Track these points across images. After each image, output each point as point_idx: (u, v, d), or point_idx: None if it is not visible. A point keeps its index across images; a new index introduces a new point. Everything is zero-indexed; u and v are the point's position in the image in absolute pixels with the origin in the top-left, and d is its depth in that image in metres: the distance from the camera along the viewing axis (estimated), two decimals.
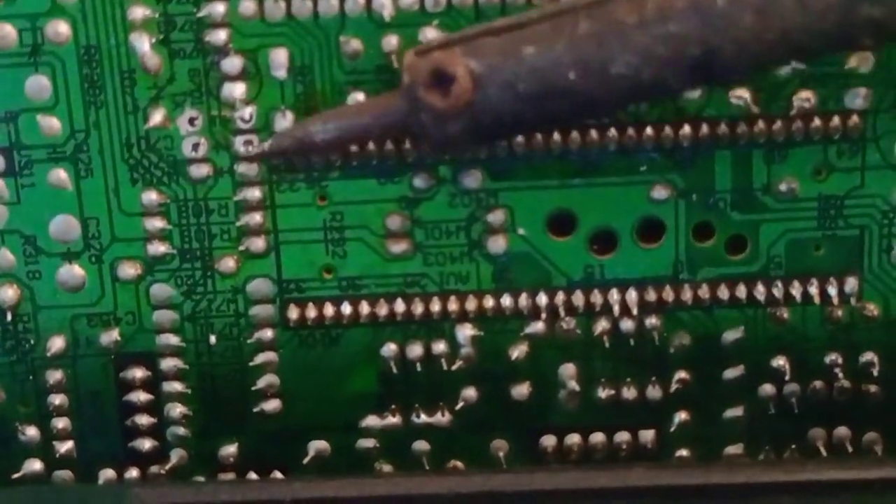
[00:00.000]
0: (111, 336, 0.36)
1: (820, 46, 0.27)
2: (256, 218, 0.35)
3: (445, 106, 0.27)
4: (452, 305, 0.36)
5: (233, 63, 0.34)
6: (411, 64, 0.28)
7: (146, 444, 0.37)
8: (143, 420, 0.36)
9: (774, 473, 0.35)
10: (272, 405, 0.36)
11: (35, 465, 0.37)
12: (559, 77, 0.27)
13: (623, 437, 0.37)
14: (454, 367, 0.36)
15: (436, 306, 0.36)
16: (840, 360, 0.36)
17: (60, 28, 0.34)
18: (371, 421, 0.37)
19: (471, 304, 0.36)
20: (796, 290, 0.36)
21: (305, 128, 0.30)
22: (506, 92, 0.27)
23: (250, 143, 0.34)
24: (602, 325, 0.36)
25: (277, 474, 0.37)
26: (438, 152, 0.28)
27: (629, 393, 0.37)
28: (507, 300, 0.36)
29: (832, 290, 0.35)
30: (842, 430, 0.37)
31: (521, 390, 0.36)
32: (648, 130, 0.34)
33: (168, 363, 0.36)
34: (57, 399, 0.36)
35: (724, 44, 0.26)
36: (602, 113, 0.28)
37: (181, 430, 0.37)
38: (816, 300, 0.36)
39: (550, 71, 0.27)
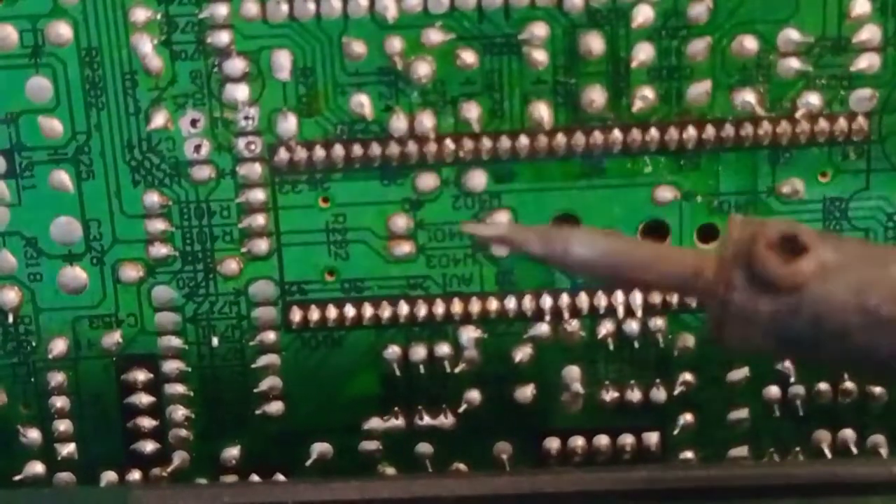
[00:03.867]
0: (113, 338, 0.36)
1: None
2: (259, 220, 0.35)
3: (780, 274, 0.23)
4: (456, 308, 0.36)
5: (235, 65, 0.34)
6: (758, 223, 0.24)
7: (148, 446, 0.36)
8: (145, 422, 0.36)
9: (778, 474, 0.35)
10: (274, 407, 0.36)
11: (36, 467, 0.37)
12: None
13: (627, 439, 0.37)
14: (457, 370, 0.36)
15: (439, 309, 0.36)
16: None
17: (61, 29, 0.33)
18: (374, 423, 0.37)
19: (474, 307, 0.36)
20: None
21: (565, 237, 0.25)
22: (852, 298, 0.23)
23: (253, 145, 0.34)
24: (606, 327, 0.36)
25: (280, 477, 0.37)
26: (719, 330, 0.24)
27: (633, 395, 0.36)
28: (510, 302, 0.36)
29: None
30: (847, 432, 0.37)
31: (525, 392, 0.36)
32: (653, 132, 0.34)
33: (170, 365, 0.36)
34: (58, 401, 0.36)
35: None
36: None
37: (183, 433, 0.36)
38: None
39: None
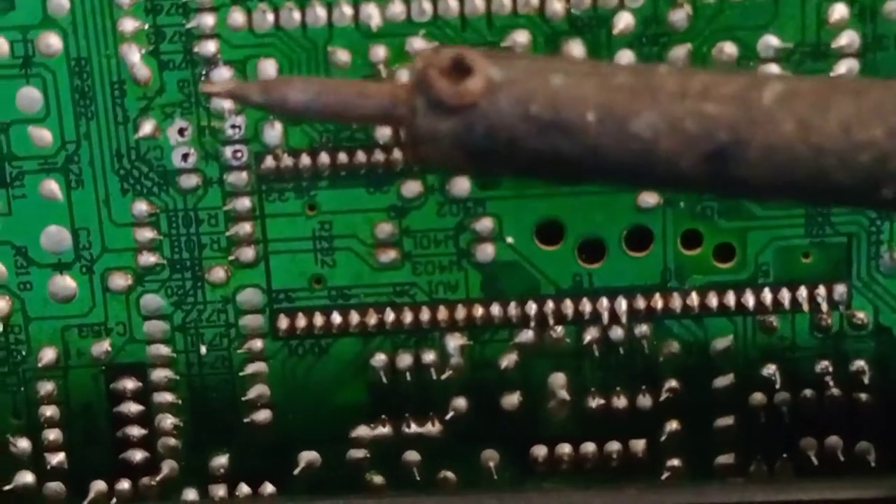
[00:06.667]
0: (102, 347, 0.36)
1: (844, 181, 0.25)
2: (246, 228, 0.35)
3: (450, 94, 0.25)
4: (442, 315, 0.36)
5: (222, 74, 0.34)
6: (432, 52, 0.27)
7: (137, 455, 0.37)
8: (134, 431, 0.36)
9: (768, 492, 0.35)
10: (262, 416, 0.36)
11: (26, 477, 0.37)
12: (576, 114, 0.25)
13: (614, 446, 0.37)
14: (444, 377, 0.36)
15: (425, 315, 0.36)
16: (830, 369, 0.36)
17: (51, 40, 0.34)
18: (361, 431, 0.37)
19: (460, 314, 0.36)
20: (785, 298, 0.36)
21: (282, 85, 0.27)
22: (515, 109, 0.25)
23: (240, 153, 0.35)
24: (591, 333, 0.36)
25: (268, 485, 0.37)
26: (414, 152, 0.27)
27: (619, 402, 0.36)
28: (496, 309, 0.36)
29: (821, 298, 0.35)
30: (833, 439, 0.37)
31: (511, 400, 0.36)
32: None
33: (158, 374, 0.36)
34: (48, 410, 0.36)
35: (755, 141, 0.25)
36: (599, 173, 0.26)
37: (172, 442, 0.37)
38: (805, 308, 0.36)
39: (570, 104, 0.25)
